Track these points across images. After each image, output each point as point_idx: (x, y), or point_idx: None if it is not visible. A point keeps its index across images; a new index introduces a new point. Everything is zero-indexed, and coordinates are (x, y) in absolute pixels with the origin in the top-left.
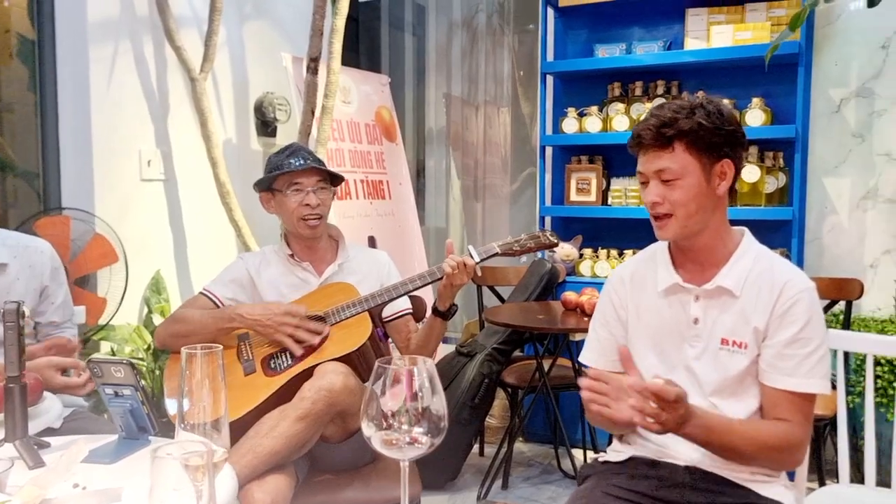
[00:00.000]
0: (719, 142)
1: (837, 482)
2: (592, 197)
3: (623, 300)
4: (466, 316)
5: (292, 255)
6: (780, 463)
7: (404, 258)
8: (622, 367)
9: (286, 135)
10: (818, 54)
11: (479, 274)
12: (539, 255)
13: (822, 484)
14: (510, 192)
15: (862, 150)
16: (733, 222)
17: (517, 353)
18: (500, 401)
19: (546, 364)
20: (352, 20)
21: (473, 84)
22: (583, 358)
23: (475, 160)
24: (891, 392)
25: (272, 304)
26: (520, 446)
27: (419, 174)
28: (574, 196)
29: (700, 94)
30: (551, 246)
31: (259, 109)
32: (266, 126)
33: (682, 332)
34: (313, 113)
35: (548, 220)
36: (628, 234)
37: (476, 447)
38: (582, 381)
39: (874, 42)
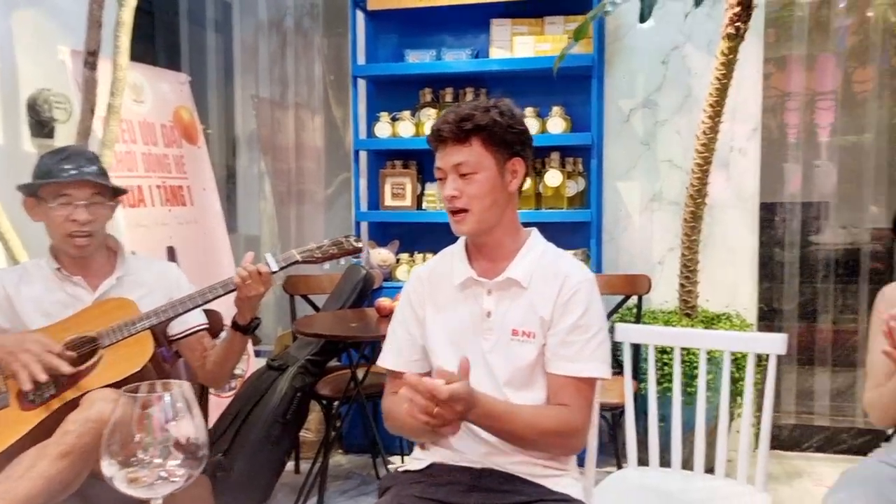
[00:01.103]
0: (512, 139)
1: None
2: (408, 202)
3: (421, 298)
4: (281, 327)
5: (60, 269)
6: (562, 447)
7: (210, 269)
8: (460, 375)
9: (67, 135)
10: (609, 67)
11: (276, 283)
12: (352, 261)
13: (619, 468)
14: (325, 198)
15: (649, 157)
16: (541, 224)
17: (334, 362)
18: (317, 413)
19: (362, 372)
20: (144, 13)
21: (284, 86)
22: (381, 360)
23: (288, 165)
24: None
25: (31, 333)
26: (339, 459)
27: (229, 179)
28: (389, 201)
29: (493, 100)
30: (355, 252)
31: (32, 108)
32: (42, 126)
33: (477, 326)
34: (93, 112)
35: (364, 225)
36: (444, 238)
37: (291, 464)
38: (402, 391)
39: (656, 58)
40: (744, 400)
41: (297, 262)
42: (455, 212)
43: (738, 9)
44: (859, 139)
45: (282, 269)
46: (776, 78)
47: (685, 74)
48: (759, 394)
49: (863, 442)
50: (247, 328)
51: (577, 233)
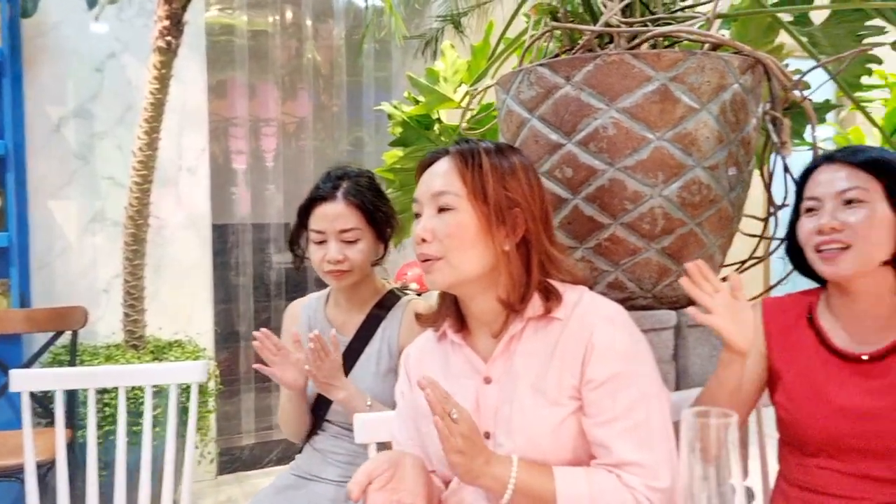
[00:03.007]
0: None
1: None
2: None
3: None
4: None
5: None
6: None
7: None
8: None
9: None
10: (31, 67)
11: None
12: None
13: None
14: None
15: (86, 172)
16: None
17: None
18: None
19: None
20: None
21: None
22: None
23: None
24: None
25: None
26: None
27: None
28: None
29: None
30: None
31: None
32: None
33: None
34: None
35: None
36: None
37: None
38: None
39: (89, 63)
40: (167, 432)
41: None
42: None
43: (167, 22)
44: (302, 165)
45: None
46: (219, 102)
47: (125, 85)
48: (224, 418)
49: None
50: None
51: None
